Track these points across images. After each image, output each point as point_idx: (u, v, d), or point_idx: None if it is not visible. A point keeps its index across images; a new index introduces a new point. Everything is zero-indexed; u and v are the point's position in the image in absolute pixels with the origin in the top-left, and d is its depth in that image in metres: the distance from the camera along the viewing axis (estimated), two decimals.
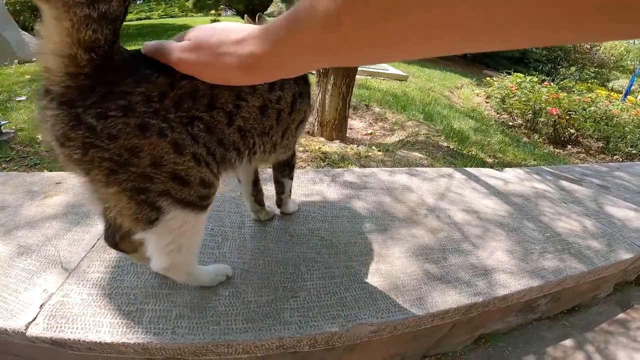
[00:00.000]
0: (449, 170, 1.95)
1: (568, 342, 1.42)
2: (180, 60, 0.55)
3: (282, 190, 1.19)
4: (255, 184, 1.15)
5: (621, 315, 1.61)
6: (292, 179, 1.17)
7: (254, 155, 0.85)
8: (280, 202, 1.26)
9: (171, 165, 0.64)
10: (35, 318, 0.84)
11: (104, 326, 0.83)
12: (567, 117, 3.94)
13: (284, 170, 1.12)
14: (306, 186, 1.52)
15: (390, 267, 1.14)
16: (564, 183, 2.11)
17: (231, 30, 0.49)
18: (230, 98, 0.71)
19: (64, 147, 0.58)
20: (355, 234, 1.27)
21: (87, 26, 0.50)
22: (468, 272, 1.18)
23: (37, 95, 0.59)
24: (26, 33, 5.26)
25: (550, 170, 2.30)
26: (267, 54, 0.44)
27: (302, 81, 0.93)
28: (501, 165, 2.68)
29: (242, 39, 0.46)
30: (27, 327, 0.82)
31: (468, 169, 2.04)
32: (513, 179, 2.00)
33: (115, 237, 0.83)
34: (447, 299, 1.05)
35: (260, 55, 0.44)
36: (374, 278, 1.08)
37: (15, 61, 4.49)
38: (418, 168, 1.92)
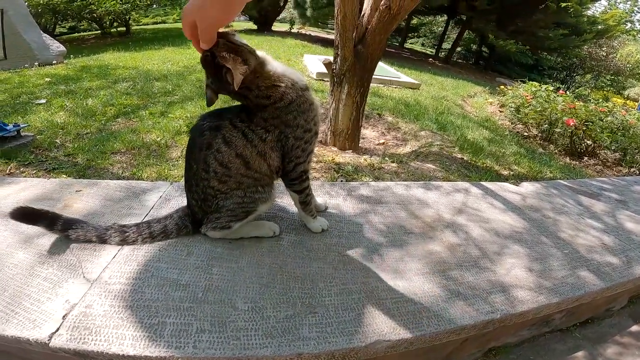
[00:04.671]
0: (465, 184, 1.93)
1: (580, 354, 1.39)
2: None
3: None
4: None
5: (634, 328, 1.57)
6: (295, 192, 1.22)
7: None
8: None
9: None
10: (58, 329, 0.86)
11: (127, 339, 0.84)
12: (584, 128, 3.87)
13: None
14: (322, 199, 1.52)
15: (407, 283, 1.13)
16: (582, 198, 2.08)
17: None
18: None
19: None
20: (371, 250, 1.27)
21: None
22: (485, 288, 1.17)
23: None
24: (47, 36, 5.37)
25: (568, 184, 2.27)
26: None
27: None
28: (516, 177, 2.65)
29: None
30: (50, 337, 0.84)
31: (484, 183, 2.02)
32: (530, 193, 1.97)
33: None
34: (465, 316, 1.05)
35: None
36: (391, 294, 1.08)
37: (36, 63, 4.60)
38: (434, 182, 1.91)
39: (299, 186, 1.18)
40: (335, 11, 2.26)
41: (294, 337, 0.89)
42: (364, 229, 1.38)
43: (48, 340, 0.83)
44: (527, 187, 2.08)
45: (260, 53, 1.01)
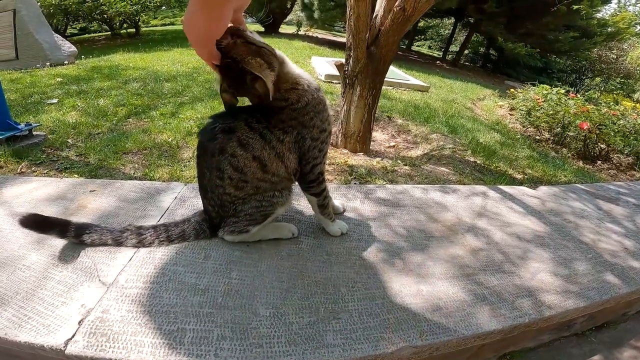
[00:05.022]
0: (483, 188, 1.89)
1: (596, 358, 1.37)
2: None
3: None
4: None
5: None
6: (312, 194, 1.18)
7: None
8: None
9: None
10: (74, 335, 0.82)
11: (146, 346, 0.81)
12: (598, 132, 3.81)
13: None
14: (339, 202, 1.48)
15: (431, 288, 1.10)
16: (600, 202, 2.04)
17: None
18: None
19: None
20: (393, 254, 1.23)
21: None
22: (512, 293, 1.15)
23: None
24: (59, 36, 5.40)
25: (585, 188, 2.23)
26: None
27: None
28: (531, 181, 2.60)
29: None
30: (66, 344, 0.80)
31: (502, 186, 1.98)
32: (549, 197, 1.93)
33: None
34: (492, 320, 1.03)
35: None
36: (416, 299, 1.05)
37: (47, 63, 4.61)
38: (451, 185, 1.88)
39: (317, 188, 1.14)
40: (348, 12, 2.23)
41: (318, 344, 0.86)
42: (384, 232, 1.35)
43: (64, 347, 0.80)
44: (544, 190, 2.04)
45: (278, 52, 0.97)
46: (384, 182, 2.01)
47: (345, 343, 0.88)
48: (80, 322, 0.85)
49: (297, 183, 1.16)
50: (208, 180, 1.03)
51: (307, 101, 1.01)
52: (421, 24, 16.89)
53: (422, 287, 1.09)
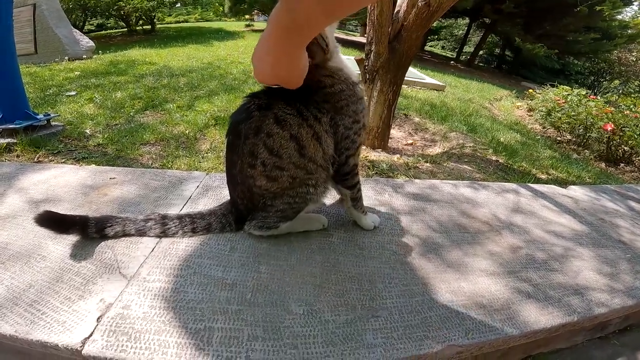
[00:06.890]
0: (513, 185, 1.82)
1: None
2: None
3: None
4: None
5: None
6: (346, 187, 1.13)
7: None
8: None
9: None
10: (92, 333, 0.75)
11: (171, 347, 0.74)
12: (621, 134, 3.69)
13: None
14: (370, 196, 1.42)
15: (472, 285, 1.04)
16: (632, 203, 1.96)
17: None
18: None
19: None
20: (428, 249, 1.16)
21: None
22: (557, 290, 1.09)
23: None
24: (77, 31, 5.41)
25: (615, 189, 2.14)
26: None
27: None
28: (555, 182, 2.50)
29: None
30: (83, 343, 0.73)
31: (532, 185, 1.90)
32: (582, 197, 1.85)
33: None
34: (540, 318, 0.97)
35: None
36: (457, 297, 0.98)
37: (66, 58, 4.63)
38: (480, 182, 1.80)
39: (351, 181, 1.09)
40: (368, 7, 2.18)
41: (357, 344, 0.79)
42: (417, 227, 1.28)
43: (81, 346, 0.72)
44: (576, 190, 1.96)
45: (331, 46, 0.94)
46: (407, 178, 1.94)
47: (386, 342, 0.81)
48: (99, 319, 0.78)
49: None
50: (239, 170, 0.97)
51: (342, 88, 0.99)
52: (435, 23, 16.72)
53: (462, 284, 1.03)
